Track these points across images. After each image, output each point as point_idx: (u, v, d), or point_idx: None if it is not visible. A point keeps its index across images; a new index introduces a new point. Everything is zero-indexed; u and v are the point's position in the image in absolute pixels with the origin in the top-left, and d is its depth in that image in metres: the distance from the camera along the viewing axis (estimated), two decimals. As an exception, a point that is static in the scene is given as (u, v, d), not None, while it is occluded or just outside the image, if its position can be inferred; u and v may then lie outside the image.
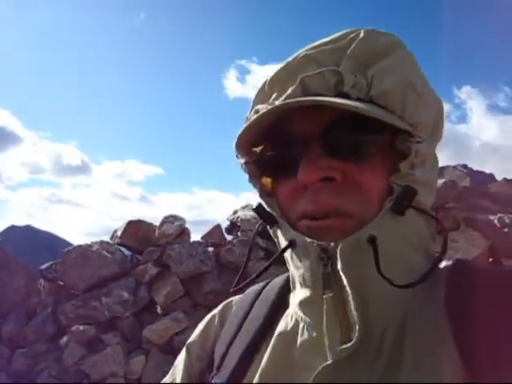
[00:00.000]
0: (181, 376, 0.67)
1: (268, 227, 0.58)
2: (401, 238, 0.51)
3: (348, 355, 0.48)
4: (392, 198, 0.50)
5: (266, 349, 0.57)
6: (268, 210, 0.57)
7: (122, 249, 4.93)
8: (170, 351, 4.31)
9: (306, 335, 0.54)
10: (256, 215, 0.58)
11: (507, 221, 3.99)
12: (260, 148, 0.59)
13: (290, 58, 0.56)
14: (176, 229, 4.76)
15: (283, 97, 0.54)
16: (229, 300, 0.72)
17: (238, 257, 4.57)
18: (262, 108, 0.56)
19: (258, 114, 0.53)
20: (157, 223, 4.89)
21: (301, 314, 0.55)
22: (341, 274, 0.49)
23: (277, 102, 0.54)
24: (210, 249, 4.80)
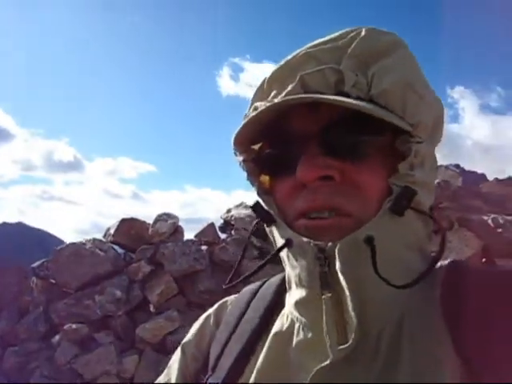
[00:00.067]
0: (175, 376, 0.66)
1: (265, 226, 0.58)
2: (399, 239, 0.51)
3: (345, 356, 0.48)
4: (391, 198, 0.50)
5: (262, 349, 0.56)
6: (265, 208, 0.56)
7: (115, 247, 4.91)
8: (163, 350, 4.30)
9: (301, 335, 0.53)
10: (251, 213, 0.57)
11: (501, 221, 4.03)
12: (258, 145, 0.59)
13: (289, 56, 0.56)
14: (169, 227, 4.75)
15: (282, 94, 0.53)
16: (224, 300, 0.71)
17: (232, 255, 4.56)
18: (261, 105, 0.55)
19: (256, 111, 0.52)
20: (150, 221, 4.88)
21: (296, 314, 0.55)
22: (339, 274, 0.48)
23: (276, 100, 0.53)
24: (204, 247, 4.78)
